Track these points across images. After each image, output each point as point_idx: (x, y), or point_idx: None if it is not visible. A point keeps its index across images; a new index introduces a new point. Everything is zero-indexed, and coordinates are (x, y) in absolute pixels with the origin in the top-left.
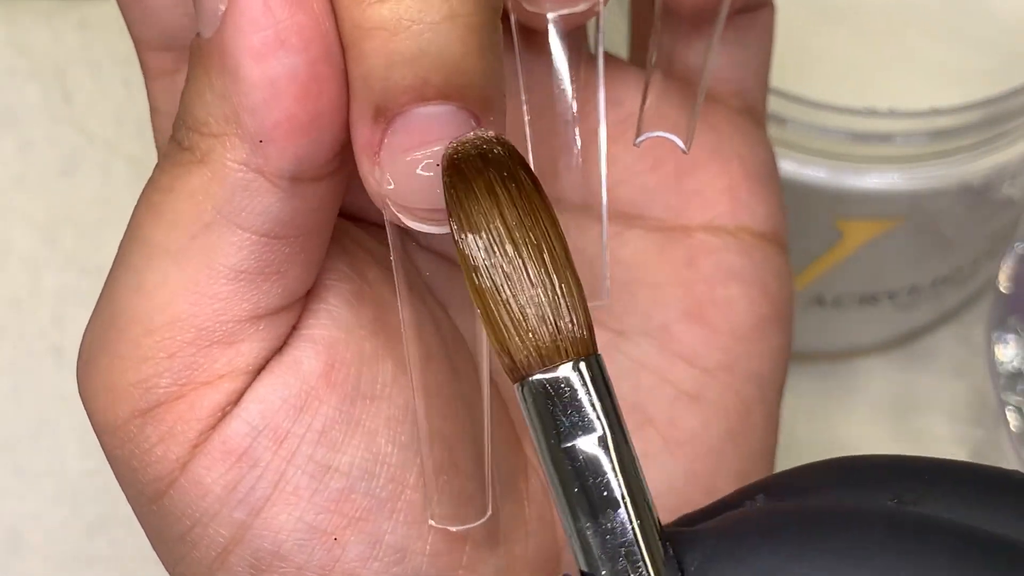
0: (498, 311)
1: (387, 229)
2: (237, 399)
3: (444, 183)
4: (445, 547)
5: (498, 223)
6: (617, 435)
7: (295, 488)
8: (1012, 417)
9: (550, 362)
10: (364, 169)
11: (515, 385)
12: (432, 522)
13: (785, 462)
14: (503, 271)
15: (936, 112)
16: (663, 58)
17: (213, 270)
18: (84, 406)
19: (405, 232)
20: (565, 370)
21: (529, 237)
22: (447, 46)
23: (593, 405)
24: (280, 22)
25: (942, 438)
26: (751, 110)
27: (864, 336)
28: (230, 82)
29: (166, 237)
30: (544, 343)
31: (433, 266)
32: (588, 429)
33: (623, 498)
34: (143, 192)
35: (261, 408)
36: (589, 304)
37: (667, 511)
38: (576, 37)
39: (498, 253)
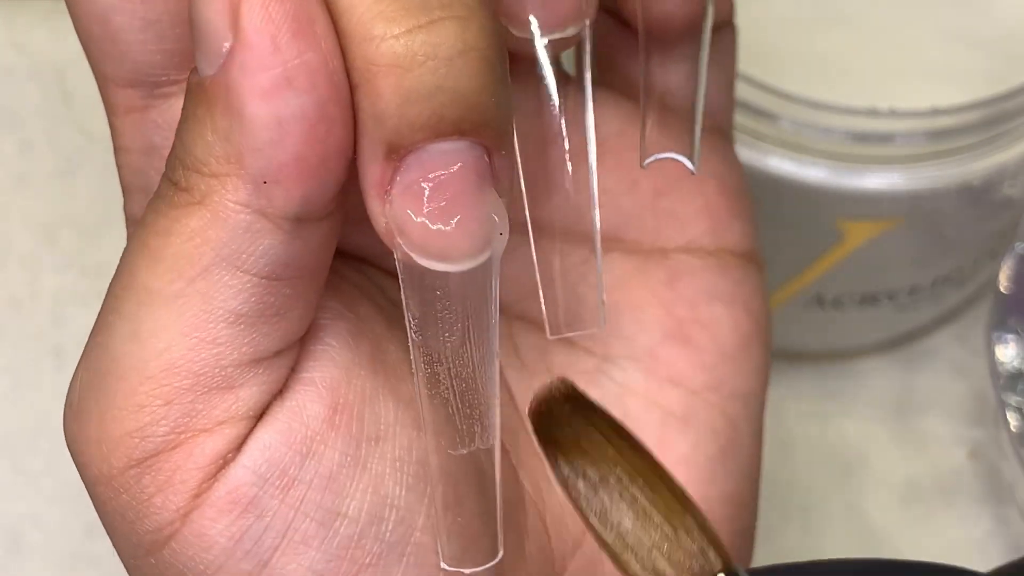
0: (626, 558)
1: (398, 268)
2: (239, 446)
3: (536, 434)
4: None
5: (619, 473)
6: None
7: (304, 537)
8: (1012, 417)
9: None
10: (374, 208)
11: None
12: (444, 565)
13: (785, 462)
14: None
15: (936, 112)
16: (649, 81)
17: (211, 314)
18: (74, 459)
19: (415, 270)
20: None
21: (643, 487)
22: (463, 81)
23: None
24: (288, 61)
25: (942, 438)
26: (720, 128)
27: (864, 336)
28: (235, 122)
29: (163, 282)
30: None
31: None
32: None
33: None
34: (136, 234)
35: (267, 455)
36: (583, 332)
37: None
38: (557, 63)
39: (621, 509)
